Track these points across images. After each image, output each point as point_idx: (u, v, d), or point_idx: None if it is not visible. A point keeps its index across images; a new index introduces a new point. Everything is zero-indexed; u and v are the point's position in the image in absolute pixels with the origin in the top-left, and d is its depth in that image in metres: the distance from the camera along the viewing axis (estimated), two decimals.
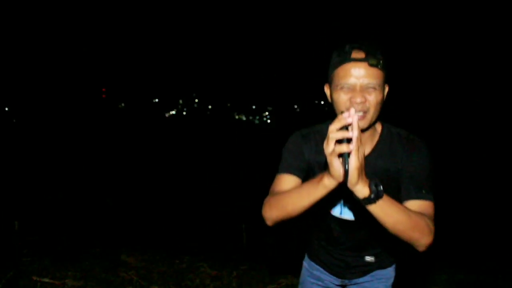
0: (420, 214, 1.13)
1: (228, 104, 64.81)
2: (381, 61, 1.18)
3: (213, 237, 4.69)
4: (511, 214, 5.99)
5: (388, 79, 1.24)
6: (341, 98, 1.20)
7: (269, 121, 61.90)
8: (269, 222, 1.29)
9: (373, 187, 1.00)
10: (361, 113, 1.18)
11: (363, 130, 1.23)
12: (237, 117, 64.51)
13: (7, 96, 35.05)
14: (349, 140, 0.95)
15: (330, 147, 0.96)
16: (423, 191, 1.22)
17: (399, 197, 1.27)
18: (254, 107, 65.42)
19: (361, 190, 0.99)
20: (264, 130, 37.52)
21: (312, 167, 1.38)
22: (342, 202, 1.39)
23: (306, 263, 1.64)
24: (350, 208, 1.38)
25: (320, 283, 1.59)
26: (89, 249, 3.76)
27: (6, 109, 36.02)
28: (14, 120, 30.05)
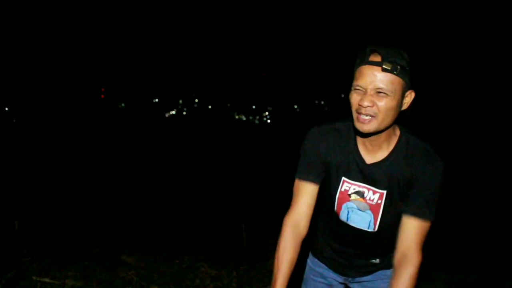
0: (408, 280, 1.26)
1: (228, 104, 64.78)
2: (398, 67, 1.15)
3: (213, 237, 4.68)
4: (511, 214, 5.98)
5: (410, 85, 1.22)
6: (352, 100, 1.22)
7: (269, 121, 61.88)
8: None
9: None
10: (368, 117, 1.19)
11: (373, 134, 1.24)
12: (237, 117, 64.48)
13: (7, 96, 35.03)
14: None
15: None
16: (427, 211, 1.24)
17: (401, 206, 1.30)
18: (254, 107, 65.39)
19: None
20: (264, 130, 37.51)
21: (328, 167, 1.37)
22: (348, 208, 1.38)
23: (310, 261, 1.64)
24: (355, 217, 1.38)
25: (323, 280, 1.58)
26: (89, 249, 3.76)
27: (6, 109, 36.02)
28: (14, 120, 30.04)
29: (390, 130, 1.27)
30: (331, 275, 1.56)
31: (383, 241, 1.41)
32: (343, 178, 1.34)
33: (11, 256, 3.40)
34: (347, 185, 1.34)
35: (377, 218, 1.33)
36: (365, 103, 1.17)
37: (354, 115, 1.22)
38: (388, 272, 1.49)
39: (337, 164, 1.35)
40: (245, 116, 65.20)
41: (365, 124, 1.20)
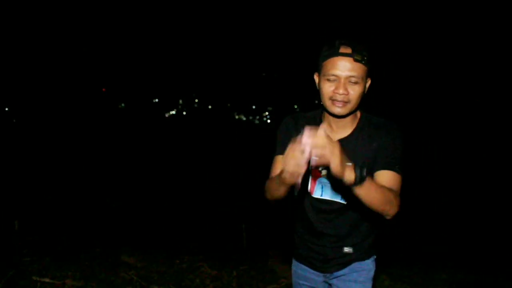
0: (389, 189, 1.29)
1: (228, 104, 64.77)
2: (365, 57, 1.33)
3: (213, 237, 4.69)
4: (511, 214, 5.99)
5: (371, 73, 1.40)
6: (326, 88, 1.36)
7: (269, 121, 61.88)
8: (269, 202, 1.49)
9: (358, 172, 1.15)
10: (341, 103, 1.34)
11: (344, 116, 1.40)
12: (237, 117, 64.47)
13: (7, 96, 35.02)
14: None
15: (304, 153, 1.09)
16: (393, 164, 1.37)
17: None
18: (254, 107, 65.38)
19: (348, 176, 1.13)
20: (264, 130, 37.54)
21: None
22: (322, 183, 1.48)
23: (293, 265, 1.69)
24: (328, 190, 1.47)
25: (307, 283, 1.63)
26: (89, 249, 3.76)
27: (6, 109, 36.02)
28: (14, 120, 30.05)
29: (354, 112, 1.43)
30: (312, 276, 1.61)
31: (355, 219, 1.49)
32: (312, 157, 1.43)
33: (11, 256, 3.41)
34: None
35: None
36: (341, 91, 1.33)
37: (328, 102, 1.38)
38: (363, 264, 1.54)
39: None
40: (245, 116, 65.17)
41: (340, 107, 1.36)
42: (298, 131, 1.46)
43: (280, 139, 1.55)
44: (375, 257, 1.58)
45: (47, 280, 3.00)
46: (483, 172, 9.75)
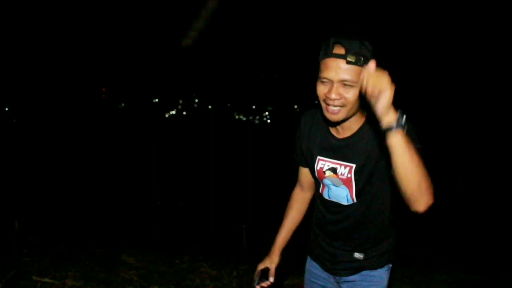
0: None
1: (228, 104, 64.79)
2: (362, 58, 1.18)
3: (213, 237, 4.69)
4: (511, 214, 5.99)
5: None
6: (319, 91, 1.27)
7: (269, 121, 61.89)
8: None
9: (399, 116, 1.02)
10: (337, 108, 1.24)
11: (342, 121, 1.30)
12: (237, 117, 64.45)
13: (7, 96, 35.00)
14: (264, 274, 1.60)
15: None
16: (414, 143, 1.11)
17: (383, 184, 1.34)
18: (254, 107, 65.37)
19: (390, 117, 1.02)
20: (264, 130, 37.54)
21: (308, 150, 1.49)
22: (326, 185, 1.44)
23: (307, 262, 1.67)
24: (333, 193, 1.43)
25: (318, 282, 1.60)
26: (89, 249, 3.76)
27: (6, 109, 36.00)
28: (14, 120, 30.04)
29: (358, 113, 1.32)
30: (324, 275, 1.58)
31: (362, 221, 1.42)
32: (318, 156, 1.44)
33: (11, 256, 3.40)
34: (322, 163, 1.42)
35: (352, 191, 1.37)
36: (333, 96, 1.22)
37: (323, 105, 1.28)
38: (375, 273, 1.46)
39: (315, 145, 1.45)
40: (245, 116, 65.16)
41: (335, 114, 1.26)
42: (308, 134, 1.48)
43: (295, 144, 1.55)
44: (390, 266, 1.49)
45: (47, 280, 3.00)
46: (483, 171, 9.75)
